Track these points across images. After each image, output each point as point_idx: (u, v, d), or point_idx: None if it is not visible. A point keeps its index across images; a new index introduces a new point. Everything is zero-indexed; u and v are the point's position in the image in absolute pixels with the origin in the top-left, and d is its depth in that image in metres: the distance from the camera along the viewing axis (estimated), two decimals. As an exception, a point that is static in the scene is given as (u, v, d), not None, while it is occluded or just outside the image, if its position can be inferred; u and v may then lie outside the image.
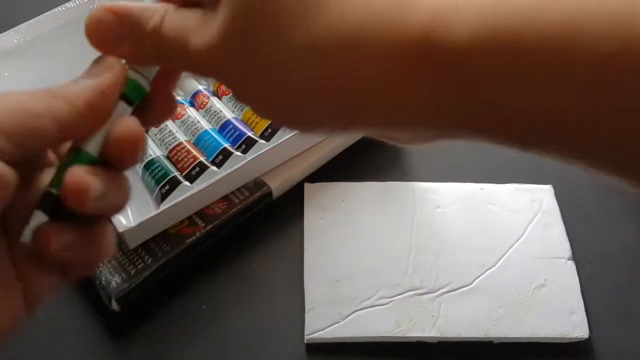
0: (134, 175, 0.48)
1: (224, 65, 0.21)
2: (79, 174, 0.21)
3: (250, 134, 0.49)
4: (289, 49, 0.19)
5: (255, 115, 0.50)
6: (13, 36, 0.56)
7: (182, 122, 0.51)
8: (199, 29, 0.21)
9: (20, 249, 0.22)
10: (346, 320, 0.42)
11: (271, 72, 0.20)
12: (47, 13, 0.58)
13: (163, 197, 0.45)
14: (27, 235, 0.21)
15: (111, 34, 0.22)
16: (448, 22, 0.18)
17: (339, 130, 0.21)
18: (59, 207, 0.21)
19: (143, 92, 0.23)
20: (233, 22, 0.20)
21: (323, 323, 0.42)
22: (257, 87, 0.20)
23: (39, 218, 0.21)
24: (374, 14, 0.18)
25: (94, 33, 0.22)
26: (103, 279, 0.42)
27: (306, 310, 0.43)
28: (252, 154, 0.48)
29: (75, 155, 0.22)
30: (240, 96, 0.22)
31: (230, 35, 0.20)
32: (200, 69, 0.22)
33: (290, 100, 0.20)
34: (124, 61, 0.23)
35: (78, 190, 0.21)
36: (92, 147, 0.22)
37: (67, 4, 0.58)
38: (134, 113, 0.23)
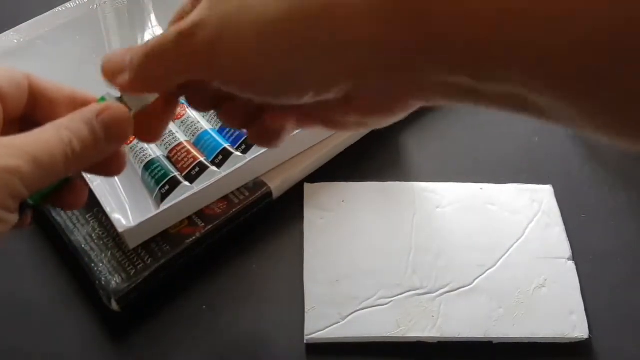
0: (134, 176, 0.48)
1: (201, 32, 0.22)
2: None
3: (250, 134, 0.49)
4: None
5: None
6: (13, 36, 0.56)
7: (181, 122, 0.51)
8: (177, 27, 0.23)
9: None
10: (346, 320, 0.42)
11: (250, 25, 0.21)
12: (48, 13, 0.58)
13: (163, 197, 0.45)
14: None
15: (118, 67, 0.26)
16: None
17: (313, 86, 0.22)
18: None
19: None
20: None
21: (323, 323, 0.42)
22: (241, 49, 0.22)
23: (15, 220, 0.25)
24: None
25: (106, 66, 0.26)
26: (103, 279, 0.42)
27: (306, 310, 0.43)
28: (252, 154, 0.48)
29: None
30: (225, 70, 0.23)
31: (211, 5, 0.22)
32: (188, 54, 0.23)
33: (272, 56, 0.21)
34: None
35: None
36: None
37: (68, 4, 0.58)
38: None
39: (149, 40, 0.24)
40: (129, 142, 0.48)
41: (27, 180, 0.22)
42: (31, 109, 0.26)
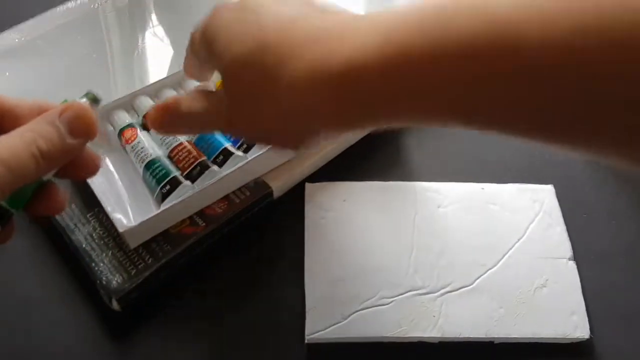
0: (135, 175, 0.48)
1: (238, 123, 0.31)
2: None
3: (251, 133, 0.49)
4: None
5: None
6: (14, 35, 0.56)
7: (183, 121, 0.50)
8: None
9: None
10: (347, 320, 0.42)
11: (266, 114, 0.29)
12: (48, 12, 0.58)
13: (164, 197, 0.45)
14: None
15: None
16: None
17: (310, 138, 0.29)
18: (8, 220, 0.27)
19: None
20: (233, 102, 0.30)
21: (324, 323, 0.42)
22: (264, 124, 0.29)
23: None
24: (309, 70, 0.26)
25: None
26: (104, 278, 0.42)
27: (307, 310, 0.43)
28: (253, 153, 0.48)
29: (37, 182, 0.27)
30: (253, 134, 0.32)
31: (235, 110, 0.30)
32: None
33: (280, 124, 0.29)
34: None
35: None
36: (47, 177, 0.28)
37: (68, 4, 0.58)
38: None
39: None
40: (129, 140, 0.48)
41: None
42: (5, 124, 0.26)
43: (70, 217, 0.46)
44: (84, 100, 0.27)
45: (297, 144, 0.30)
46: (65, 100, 0.27)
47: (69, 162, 0.28)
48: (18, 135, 0.25)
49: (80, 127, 0.26)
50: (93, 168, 0.30)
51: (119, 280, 0.42)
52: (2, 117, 0.27)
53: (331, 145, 0.52)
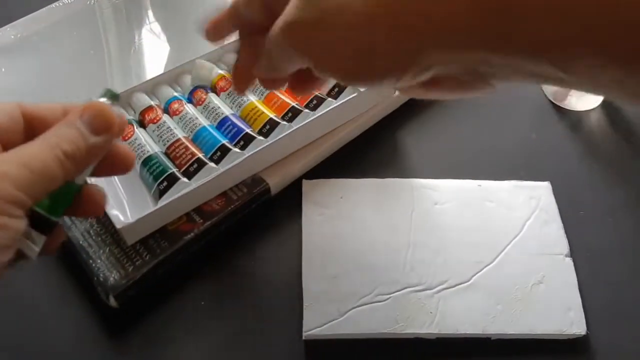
0: (133, 172, 0.48)
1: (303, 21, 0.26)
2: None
3: (248, 130, 0.49)
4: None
5: (253, 111, 0.50)
6: (10, 32, 0.56)
7: (180, 118, 0.50)
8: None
9: None
10: (344, 316, 0.42)
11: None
12: (44, 9, 0.57)
13: (161, 193, 0.45)
14: (35, 255, 0.26)
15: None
16: None
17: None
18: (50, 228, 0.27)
19: None
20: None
21: (321, 319, 0.42)
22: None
23: (42, 240, 0.26)
24: None
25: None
26: (101, 275, 0.42)
27: (304, 306, 0.43)
28: (250, 150, 0.48)
29: (68, 187, 0.27)
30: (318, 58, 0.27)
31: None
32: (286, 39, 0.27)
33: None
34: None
35: None
36: (82, 180, 0.28)
37: (64, 0, 0.58)
38: None
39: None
40: (126, 137, 0.48)
41: (22, 184, 0.23)
42: (29, 136, 0.27)
43: (67, 213, 0.46)
44: (103, 99, 0.28)
45: (397, 68, 0.24)
46: (91, 99, 0.28)
47: (104, 160, 0.28)
48: (41, 140, 0.25)
49: (100, 125, 0.26)
50: (128, 163, 0.30)
51: (116, 277, 0.42)
52: (32, 124, 0.27)
53: (328, 142, 0.52)
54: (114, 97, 0.28)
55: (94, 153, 0.27)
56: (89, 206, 0.29)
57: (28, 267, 0.45)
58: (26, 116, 0.27)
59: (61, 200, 0.27)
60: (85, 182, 0.28)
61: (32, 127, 0.27)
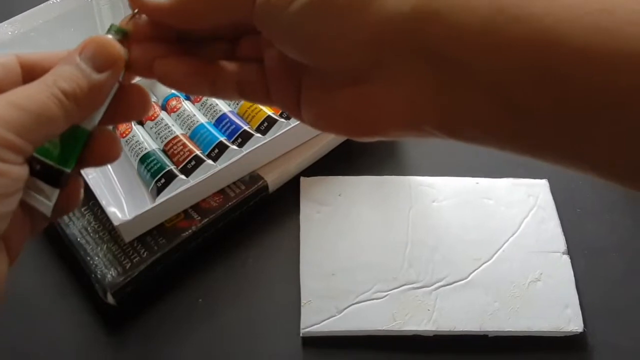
0: (130, 169, 0.48)
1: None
2: None
3: (246, 127, 0.49)
4: None
5: (251, 108, 0.50)
6: (7, 28, 0.56)
7: (177, 115, 0.50)
8: None
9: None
10: (342, 314, 0.43)
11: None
12: (42, 5, 0.57)
13: (159, 190, 0.45)
14: (49, 210, 0.24)
15: None
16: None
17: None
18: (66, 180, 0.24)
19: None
20: None
21: (319, 317, 0.42)
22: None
23: (55, 193, 0.24)
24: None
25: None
26: (99, 272, 0.42)
27: (302, 303, 0.43)
28: (248, 147, 0.48)
29: (76, 133, 0.24)
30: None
31: None
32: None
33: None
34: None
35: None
36: (91, 125, 0.24)
37: (62, -4, 0.58)
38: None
39: None
40: (124, 134, 0.48)
41: (16, 127, 0.21)
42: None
43: (65, 210, 0.46)
44: (109, 35, 0.25)
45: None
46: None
47: (117, 103, 0.25)
48: (37, 81, 0.23)
49: (103, 61, 0.23)
50: (144, 103, 0.26)
51: (113, 274, 0.42)
52: (32, 74, 0.24)
53: (326, 140, 0.52)
54: (119, 31, 0.25)
55: (98, 92, 0.24)
56: (104, 151, 0.26)
57: (24, 264, 0.45)
58: (25, 66, 0.25)
59: (70, 148, 0.24)
60: (96, 129, 0.25)
61: (32, 77, 0.24)
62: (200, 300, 0.44)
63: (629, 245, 0.48)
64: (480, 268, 0.45)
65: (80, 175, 0.27)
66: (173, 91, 0.52)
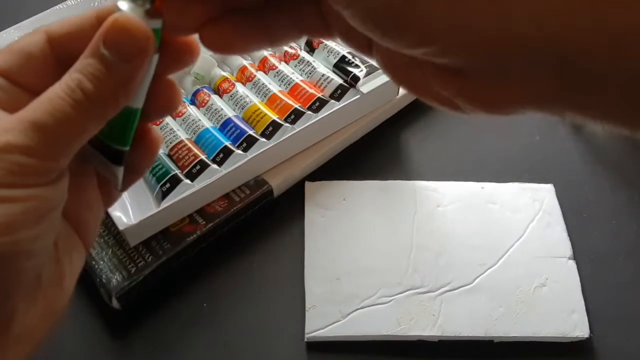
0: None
1: None
2: None
3: (251, 132, 0.49)
4: None
5: (256, 113, 0.50)
6: (15, 33, 0.56)
7: (182, 120, 0.50)
8: None
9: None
10: (347, 318, 0.42)
11: None
12: (49, 10, 0.58)
13: (164, 195, 0.45)
14: (120, 185, 0.24)
15: None
16: None
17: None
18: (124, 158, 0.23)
19: (160, 36, 0.22)
20: None
21: (323, 321, 0.42)
22: None
23: (121, 172, 0.23)
24: None
25: None
26: (104, 276, 0.42)
27: (307, 308, 0.43)
28: (253, 152, 0.48)
29: (124, 114, 0.22)
30: None
31: None
32: None
33: None
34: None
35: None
36: (139, 102, 0.22)
37: (69, 1, 0.58)
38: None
39: None
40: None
41: (39, 150, 0.19)
42: (65, 64, 0.21)
43: (70, 215, 0.46)
44: (127, 7, 0.21)
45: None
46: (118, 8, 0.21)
47: (163, 60, 0.22)
48: (59, 83, 0.20)
49: (130, 47, 0.20)
50: (192, 49, 0.23)
51: (118, 279, 0.42)
52: (65, 49, 0.22)
53: (331, 144, 0.52)
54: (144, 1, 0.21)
55: (129, 83, 0.21)
56: (164, 103, 0.23)
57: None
58: (55, 43, 0.22)
59: (123, 127, 0.22)
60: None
61: (65, 54, 0.22)
62: (205, 304, 0.44)
63: (635, 250, 0.48)
64: (486, 273, 0.45)
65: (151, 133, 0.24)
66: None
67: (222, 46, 0.23)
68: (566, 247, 0.46)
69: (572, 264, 0.46)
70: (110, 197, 0.25)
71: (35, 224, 0.20)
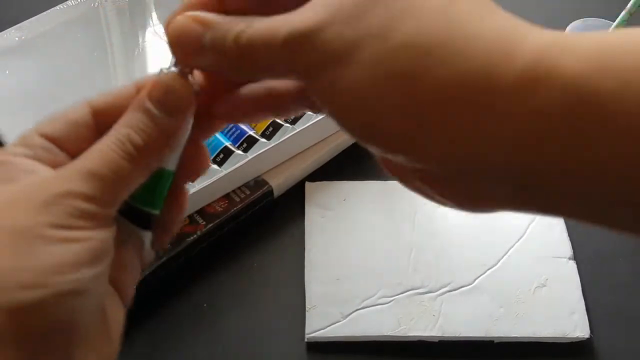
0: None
1: (325, 43, 0.19)
2: None
3: (251, 132, 0.49)
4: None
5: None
6: (15, 34, 0.56)
7: (183, 120, 0.50)
8: (289, 20, 0.20)
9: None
10: (347, 319, 0.42)
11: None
12: (49, 11, 0.58)
13: (164, 195, 0.45)
14: (150, 255, 0.25)
15: (195, 44, 0.22)
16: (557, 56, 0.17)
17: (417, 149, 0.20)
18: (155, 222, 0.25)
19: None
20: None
21: (324, 322, 0.42)
22: (358, 66, 0.19)
23: (148, 237, 0.25)
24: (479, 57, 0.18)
25: (178, 41, 0.23)
26: (104, 277, 0.42)
27: (307, 309, 0.43)
28: (253, 152, 0.48)
29: (160, 176, 0.24)
30: (333, 86, 0.20)
31: (337, 9, 0.20)
32: (290, 58, 0.20)
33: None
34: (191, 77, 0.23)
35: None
36: (173, 164, 0.24)
37: (69, 2, 0.58)
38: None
39: (244, 22, 0.22)
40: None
41: (94, 197, 0.21)
42: (112, 123, 0.23)
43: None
44: (173, 69, 0.23)
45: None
46: (161, 70, 0.23)
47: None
48: (110, 138, 0.22)
49: (174, 102, 0.22)
50: (204, 165, 0.25)
51: (119, 279, 0.42)
52: (105, 120, 0.23)
53: (331, 144, 0.52)
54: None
55: (172, 136, 0.23)
56: (191, 166, 0.25)
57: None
58: (98, 113, 0.24)
59: (155, 190, 0.24)
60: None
61: (106, 122, 0.23)
62: (206, 305, 0.44)
63: (635, 251, 0.48)
64: (486, 273, 0.45)
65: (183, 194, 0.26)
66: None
67: (234, 118, 0.26)
68: (566, 248, 0.46)
69: (572, 264, 0.46)
70: (141, 261, 0.26)
71: (95, 264, 0.21)
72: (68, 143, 0.23)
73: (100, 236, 0.21)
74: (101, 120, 0.24)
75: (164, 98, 0.22)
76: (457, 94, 0.18)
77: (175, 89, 0.23)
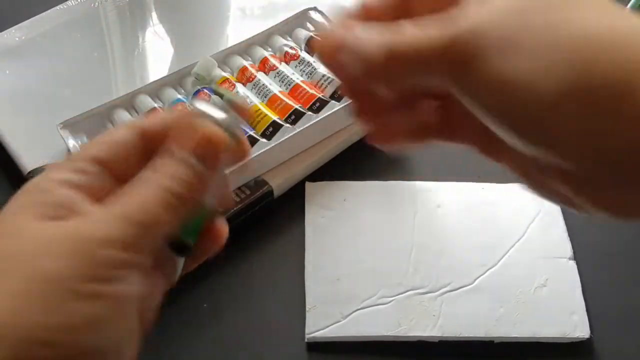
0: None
1: (481, 46, 0.20)
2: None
3: (251, 132, 0.49)
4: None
5: (256, 114, 0.50)
6: (15, 34, 0.56)
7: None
8: (441, 23, 0.21)
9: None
10: (347, 319, 0.42)
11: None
12: (49, 11, 0.58)
13: (164, 195, 0.45)
14: (178, 274, 0.26)
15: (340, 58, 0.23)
16: None
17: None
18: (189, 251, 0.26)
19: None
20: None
21: (324, 322, 0.42)
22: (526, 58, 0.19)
23: (180, 261, 0.26)
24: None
25: (332, 59, 0.24)
26: (104, 277, 0.42)
27: (307, 309, 0.43)
28: (253, 152, 0.48)
29: (199, 211, 0.25)
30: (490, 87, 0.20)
31: (503, 10, 0.20)
32: (440, 61, 0.21)
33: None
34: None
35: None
36: (212, 203, 0.26)
37: (69, 2, 0.58)
38: None
39: (397, 30, 0.22)
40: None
41: (128, 243, 0.21)
42: (147, 155, 0.24)
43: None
44: (218, 113, 0.24)
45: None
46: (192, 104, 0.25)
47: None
48: (153, 186, 0.22)
49: (216, 157, 0.24)
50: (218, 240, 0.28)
51: (119, 279, 0.42)
52: (152, 141, 0.24)
53: (331, 145, 0.52)
54: (231, 103, 0.25)
55: (205, 187, 0.24)
56: (209, 239, 0.27)
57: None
58: (145, 136, 0.24)
59: (192, 224, 0.25)
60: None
61: (153, 145, 0.24)
62: (205, 305, 0.44)
63: (635, 251, 0.48)
64: (486, 273, 0.45)
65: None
66: (179, 96, 0.52)
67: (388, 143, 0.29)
68: (566, 248, 0.47)
69: (573, 264, 0.46)
70: (167, 283, 0.26)
71: (125, 319, 0.21)
72: (115, 165, 0.23)
73: (132, 287, 0.21)
74: (148, 143, 0.24)
75: (209, 155, 0.23)
76: (624, 91, 0.18)
77: (220, 146, 0.24)
